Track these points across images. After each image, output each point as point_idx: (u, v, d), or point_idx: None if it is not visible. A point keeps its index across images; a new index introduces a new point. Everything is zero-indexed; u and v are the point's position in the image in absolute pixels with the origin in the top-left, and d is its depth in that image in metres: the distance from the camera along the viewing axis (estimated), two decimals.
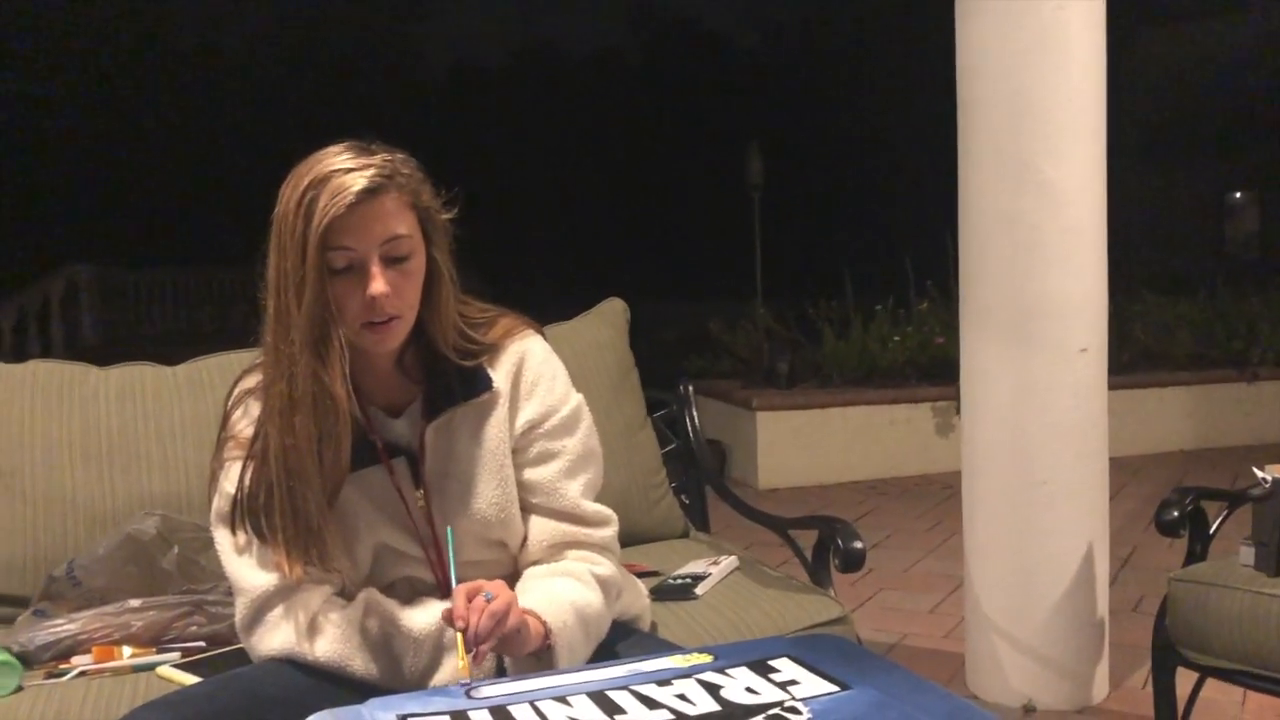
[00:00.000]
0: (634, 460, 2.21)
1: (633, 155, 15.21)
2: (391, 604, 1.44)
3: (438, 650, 1.41)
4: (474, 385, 1.48)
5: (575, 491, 1.51)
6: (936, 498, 5.28)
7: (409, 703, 1.13)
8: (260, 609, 1.43)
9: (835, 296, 6.60)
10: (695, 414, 2.44)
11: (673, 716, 1.07)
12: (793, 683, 1.15)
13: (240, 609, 1.45)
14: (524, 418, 1.51)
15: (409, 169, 1.40)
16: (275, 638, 1.42)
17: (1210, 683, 2.15)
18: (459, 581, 1.33)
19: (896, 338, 6.19)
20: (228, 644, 1.66)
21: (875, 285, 6.67)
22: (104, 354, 2.09)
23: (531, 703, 1.12)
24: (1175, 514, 2.13)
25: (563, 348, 1.64)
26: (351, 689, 1.38)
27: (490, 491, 1.48)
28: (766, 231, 10.62)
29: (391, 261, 1.36)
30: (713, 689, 1.14)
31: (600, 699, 1.12)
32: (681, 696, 1.12)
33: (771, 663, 1.20)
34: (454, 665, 1.41)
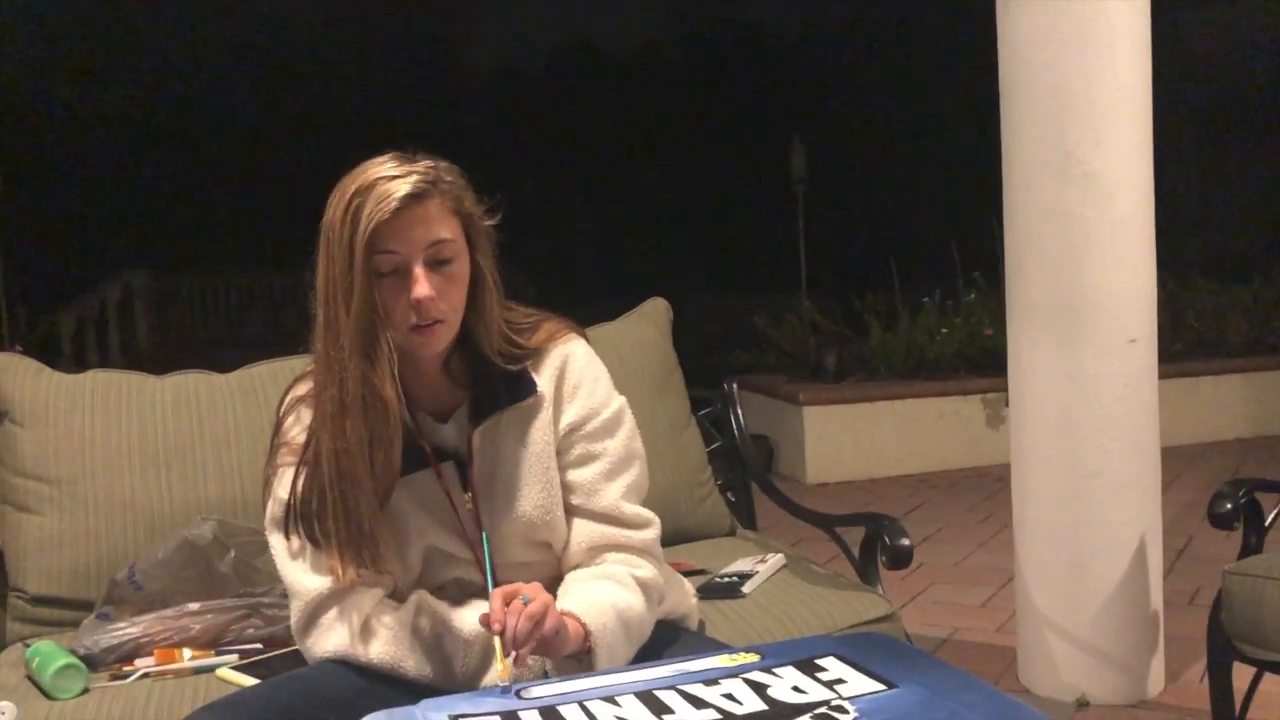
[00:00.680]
0: (679, 459, 2.22)
1: (675, 151, 15.19)
2: (442, 605, 1.46)
3: (487, 651, 1.43)
4: (519, 389, 1.50)
5: (615, 493, 1.52)
6: (987, 490, 5.23)
7: (460, 703, 1.15)
8: (314, 612, 1.46)
9: (881, 289, 6.56)
10: (740, 412, 2.44)
11: (720, 716, 1.08)
12: (839, 681, 1.15)
13: (295, 612, 1.48)
14: (566, 420, 1.52)
15: (452, 176, 1.43)
16: (329, 640, 1.45)
17: (1269, 677, 2.12)
18: (502, 583, 1.35)
19: (944, 330, 6.14)
20: (284, 646, 1.69)
21: (922, 277, 6.62)
22: (159, 359, 2.14)
23: (580, 703, 1.13)
24: (1229, 506, 2.10)
25: (606, 348, 1.65)
26: (404, 689, 1.41)
27: (535, 494, 1.50)
28: (811, 225, 10.58)
29: (435, 265, 1.39)
30: (760, 688, 1.14)
31: (648, 699, 1.13)
32: (729, 696, 1.13)
33: (818, 662, 1.21)
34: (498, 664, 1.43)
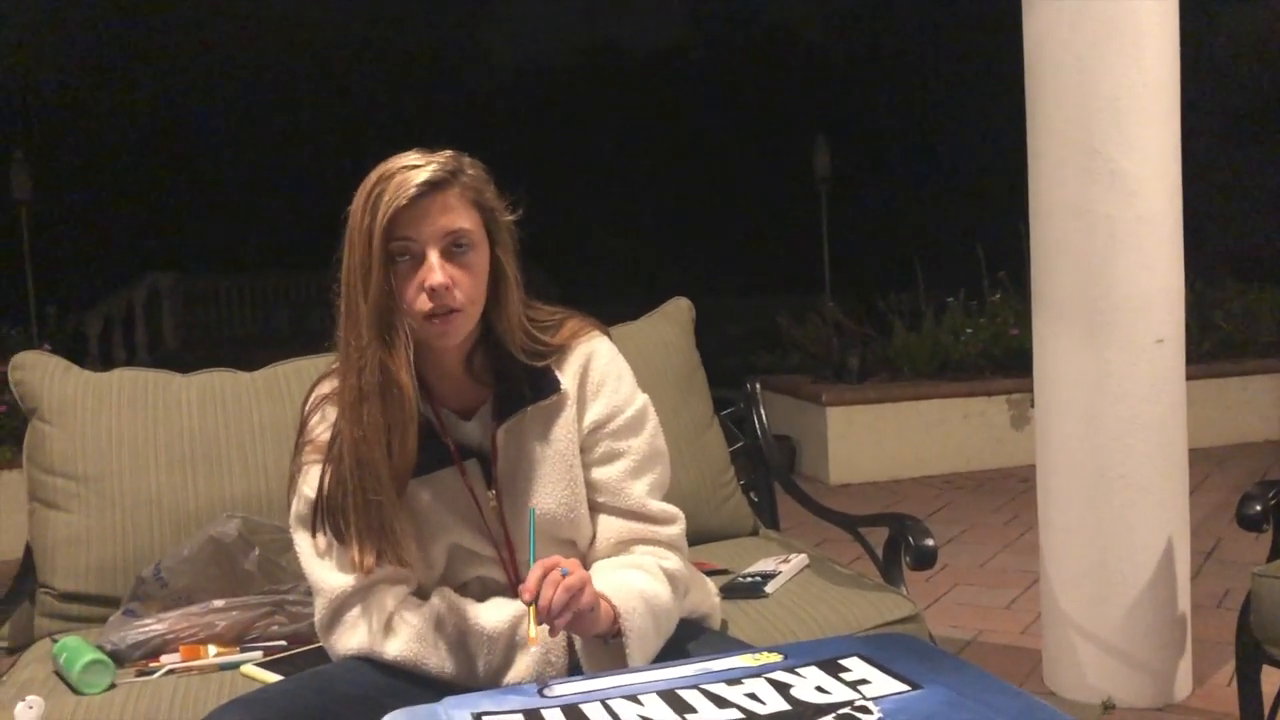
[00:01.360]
0: (702, 459, 2.21)
1: (698, 151, 15.17)
2: (465, 603, 1.47)
3: (511, 648, 1.44)
4: (543, 387, 1.50)
5: (641, 490, 1.53)
6: (1012, 492, 5.20)
7: (484, 701, 1.16)
8: (338, 609, 1.47)
9: (905, 289, 6.53)
10: (763, 412, 2.44)
11: (743, 715, 1.08)
12: (863, 682, 1.15)
13: (319, 609, 1.49)
14: (590, 418, 1.52)
15: (474, 169, 1.44)
16: (353, 638, 1.46)
17: None
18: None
19: (969, 330, 6.10)
20: (308, 643, 1.70)
21: (947, 276, 6.58)
22: (185, 358, 2.16)
23: (603, 701, 1.13)
24: (1258, 508, 2.08)
25: (629, 348, 1.65)
26: (428, 687, 1.41)
27: (559, 491, 1.50)
28: (834, 224, 10.54)
29: (452, 254, 1.40)
30: (783, 688, 1.14)
31: (671, 698, 1.13)
32: (752, 695, 1.13)
33: (842, 662, 1.20)
34: (526, 664, 1.43)
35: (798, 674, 1.17)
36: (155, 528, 1.92)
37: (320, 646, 1.53)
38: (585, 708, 1.12)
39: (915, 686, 1.13)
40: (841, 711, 1.08)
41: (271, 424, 2.00)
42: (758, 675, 1.18)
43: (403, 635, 1.44)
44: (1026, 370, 2.96)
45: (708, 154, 15.26)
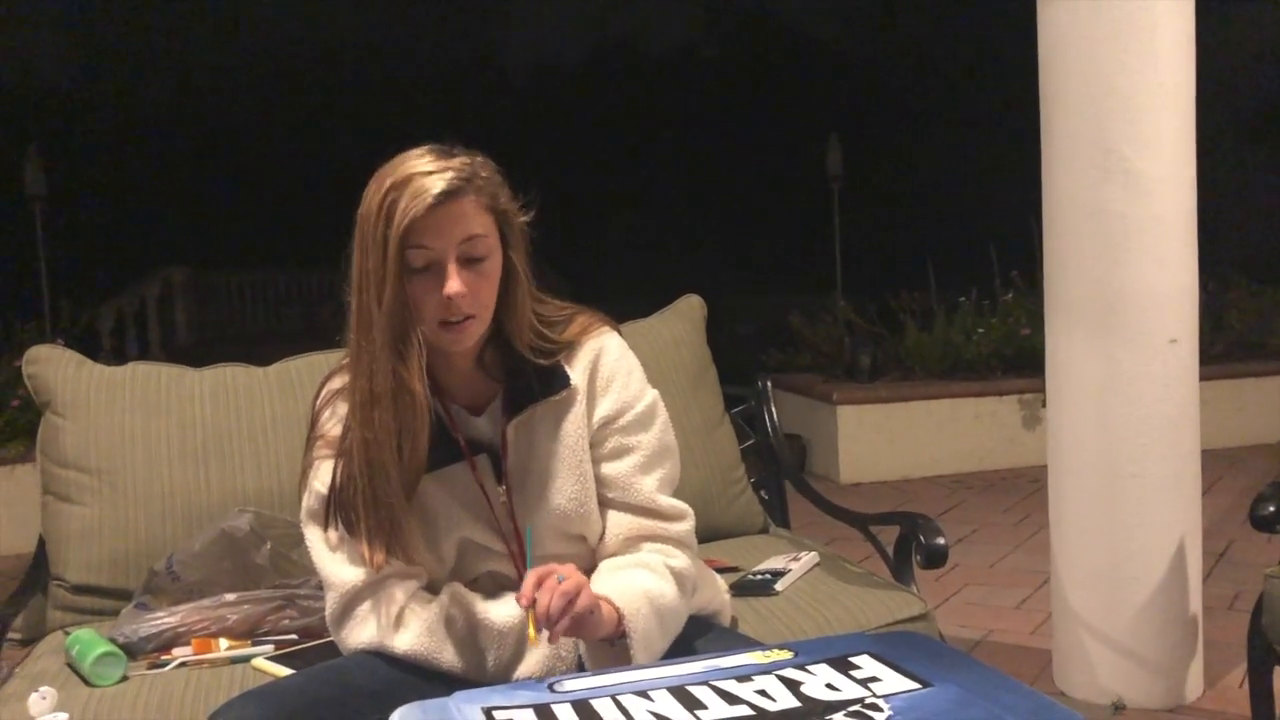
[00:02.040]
0: (712, 456, 2.21)
1: (710, 150, 15.16)
2: (475, 598, 1.47)
3: (521, 643, 1.44)
4: (552, 382, 1.50)
5: (650, 486, 1.53)
6: (1023, 492, 5.19)
7: (494, 695, 1.16)
8: (349, 604, 1.47)
9: (917, 288, 6.51)
10: (774, 409, 2.43)
11: (753, 712, 1.08)
12: (874, 679, 1.15)
13: (330, 603, 1.49)
14: (600, 413, 1.52)
15: (488, 172, 1.43)
16: (364, 632, 1.46)
17: None
18: None
19: (981, 329, 6.08)
20: (319, 637, 1.71)
21: (959, 276, 6.56)
22: (197, 353, 2.16)
23: (613, 697, 1.13)
24: (1270, 509, 2.07)
25: (640, 344, 1.65)
26: (438, 681, 1.42)
27: (569, 487, 1.50)
28: (846, 223, 10.53)
29: (468, 262, 1.39)
30: (793, 685, 1.14)
31: (681, 694, 1.13)
32: (762, 692, 1.13)
33: (852, 659, 1.20)
34: (536, 659, 1.44)
35: (808, 671, 1.17)
36: (167, 521, 1.93)
37: (331, 640, 1.53)
38: (596, 703, 1.12)
39: (926, 684, 1.13)
40: (852, 709, 1.08)
41: (283, 419, 2.01)
42: (768, 672, 1.18)
43: (413, 630, 1.45)
44: (1037, 370, 2.95)
45: (720, 152, 15.25)
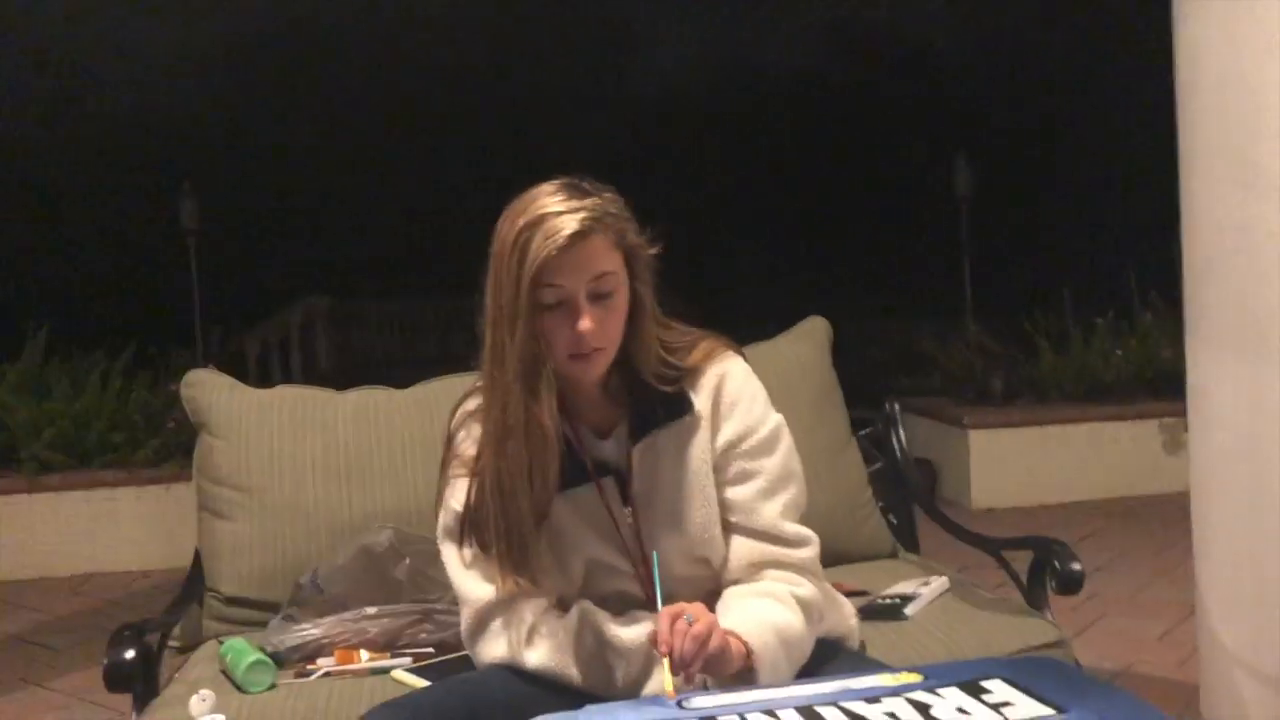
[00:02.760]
0: (839, 480, 2.20)
1: (837, 173, 15.05)
2: (603, 616, 1.50)
3: (648, 661, 1.46)
4: (676, 407, 1.53)
5: (774, 511, 1.53)
6: (1166, 519, 4.97)
7: (623, 711, 1.18)
8: (483, 619, 1.52)
9: (1051, 310, 6.34)
10: (902, 432, 2.41)
11: None
12: (1006, 704, 1.13)
13: (465, 619, 1.54)
14: (723, 437, 1.54)
15: (616, 209, 1.46)
16: (497, 647, 1.51)
17: None
18: (665, 600, 1.38)
19: (1119, 352, 5.89)
20: (454, 651, 1.76)
21: (1094, 297, 6.36)
22: (337, 380, 2.26)
23: (741, 715, 1.14)
24: None
25: (764, 367, 1.66)
26: (568, 696, 1.45)
27: (694, 511, 1.52)
28: (975, 244, 10.30)
29: (598, 298, 1.43)
30: (922, 708, 1.13)
31: (808, 714, 1.14)
32: (891, 715, 1.12)
33: (984, 684, 1.19)
34: (663, 676, 1.46)
35: (938, 694, 1.16)
36: (312, 537, 2.01)
37: (466, 654, 1.58)
38: None
39: (1060, 710, 1.11)
40: None
41: (421, 439, 2.07)
42: (897, 694, 1.17)
43: (543, 647, 1.48)
44: (1179, 394, 2.85)
45: (848, 174, 15.12)
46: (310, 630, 1.81)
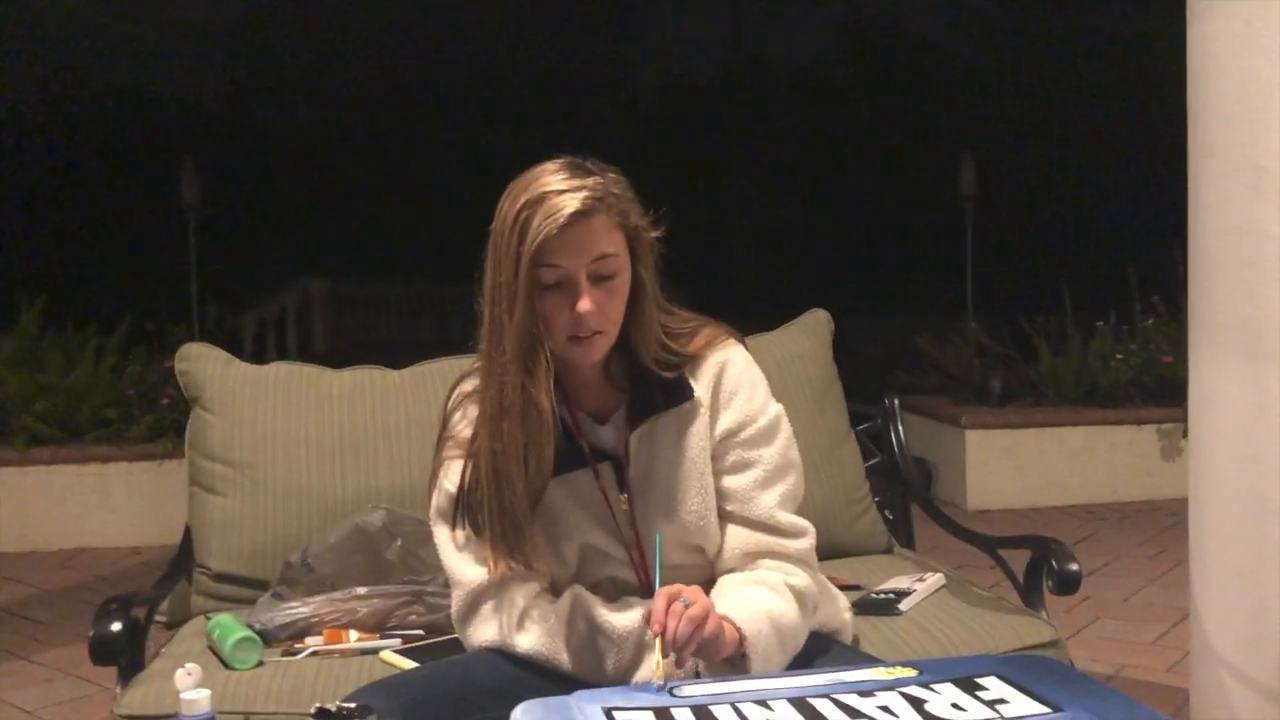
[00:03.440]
0: (836, 473, 2.18)
1: (840, 168, 15.05)
2: (596, 602, 1.48)
3: (639, 648, 1.45)
4: (675, 394, 1.51)
5: (771, 501, 1.52)
6: (1160, 524, 4.98)
7: (614, 696, 1.17)
8: (474, 602, 1.50)
9: (1052, 311, 6.33)
10: (900, 427, 2.39)
11: None
12: (1001, 701, 1.12)
13: (456, 601, 1.53)
14: (722, 426, 1.52)
15: (619, 189, 1.44)
16: (487, 630, 1.49)
17: None
18: (662, 585, 1.36)
19: (1119, 355, 5.88)
20: (444, 633, 1.74)
21: (1096, 300, 6.35)
22: (333, 361, 2.24)
23: (733, 704, 1.13)
24: None
25: (765, 358, 1.64)
26: (558, 680, 1.44)
27: (690, 499, 1.50)
28: (978, 244, 10.28)
29: (598, 280, 1.41)
30: (917, 703, 1.12)
31: (801, 705, 1.12)
32: (885, 709, 1.11)
33: (979, 680, 1.17)
34: (654, 660, 1.44)
35: (933, 690, 1.15)
36: (304, 515, 2.00)
37: (455, 637, 1.57)
38: (715, 709, 1.12)
39: (1056, 709, 1.09)
40: None
41: (417, 420, 2.05)
42: (891, 689, 1.16)
43: (534, 632, 1.47)
44: (1178, 399, 2.84)
45: (851, 170, 15.12)
46: (299, 609, 1.80)
